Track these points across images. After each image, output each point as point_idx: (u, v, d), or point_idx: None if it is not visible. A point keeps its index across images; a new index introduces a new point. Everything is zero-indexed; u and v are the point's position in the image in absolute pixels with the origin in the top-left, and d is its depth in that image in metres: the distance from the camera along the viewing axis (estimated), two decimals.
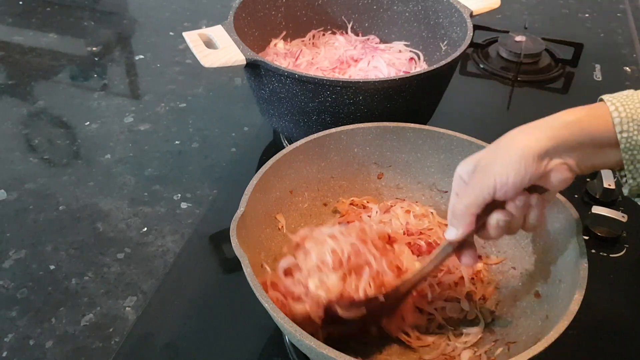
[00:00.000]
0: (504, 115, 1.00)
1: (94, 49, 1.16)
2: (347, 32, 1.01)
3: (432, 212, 0.73)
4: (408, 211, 0.73)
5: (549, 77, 1.08)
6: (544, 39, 1.13)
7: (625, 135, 0.48)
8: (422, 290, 0.64)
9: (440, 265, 0.59)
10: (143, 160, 0.89)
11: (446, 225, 0.70)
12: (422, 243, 0.68)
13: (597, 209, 0.76)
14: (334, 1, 1.00)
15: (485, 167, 0.51)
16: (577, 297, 0.52)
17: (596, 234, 0.76)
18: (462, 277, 0.66)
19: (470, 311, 0.64)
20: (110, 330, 0.65)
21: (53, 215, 0.79)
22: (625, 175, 0.51)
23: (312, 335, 0.50)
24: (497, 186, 0.50)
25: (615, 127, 0.48)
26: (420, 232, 0.70)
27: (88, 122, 0.96)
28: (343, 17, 1.01)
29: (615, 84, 1.06)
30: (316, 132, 0.70)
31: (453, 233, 0.55)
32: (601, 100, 0.50)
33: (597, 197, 0.80)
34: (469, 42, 0.80)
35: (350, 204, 0.74)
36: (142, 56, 1.13)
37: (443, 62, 0.76)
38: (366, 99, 0.74)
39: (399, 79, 0.74)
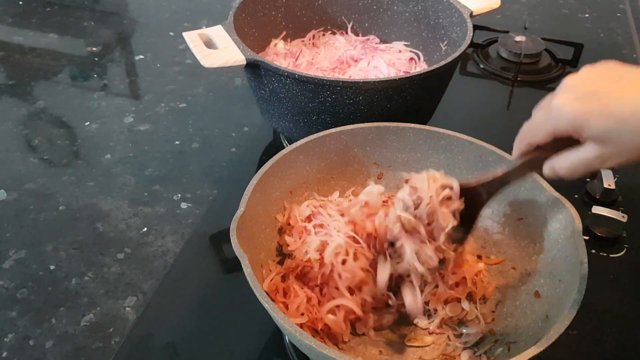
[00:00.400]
0: (504, 115, 1.00)
1: (94, 49, 1.16)
2: (347, 32, 1.01)
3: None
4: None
5: (549, 77, 1.08)
6: (544, 39, 1.13)
7: None
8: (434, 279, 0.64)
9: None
10: (143, 160, 0.89)
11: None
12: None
13: (597, 209, 0.76)
14: (334, 1, 1.00)
15: (608, 155, 0.46)
16: (577, 297, 0.52)
17: (596, 234, 0.76)
18: (463, 278, 0.66)
19: (471, 311, 0.64)
20: (110, 330, 0.65)
21: (53, 216, 0.79)
22: None
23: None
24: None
25: None
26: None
27: (88, 122, 0.96)
28: (343, 17, 1.01)
29: None
30: (316, 132, 0.70)
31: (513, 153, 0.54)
32: None
33: (597, 197, 0.80)
34: (468, 42, 0.80)
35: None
36: (142, 56, 1.13)
37: (443, 62, 0.76)
38: (366, 99, 0.74)
39: (398, 79, 0.74)
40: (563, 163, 0.50)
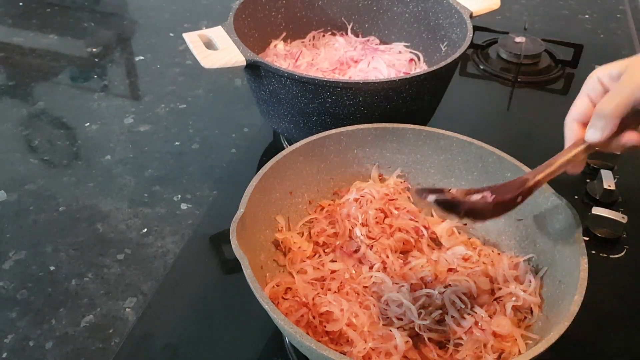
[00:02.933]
0: (504, 116, 1.00)
1: (94, 50, 1.16)
2: (347, 33, 1.01)
3: None
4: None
5: (549, 78, 1.08)
6: (543, 40, 1.13)
7: None
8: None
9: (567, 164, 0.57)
10: (143, 161, 0.89)
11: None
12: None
13: (597, 210, 0.76)
14: (334, 2, 1.00)
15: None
16: (577, 298, 0.52)
17: (596, 235, 0.76)
18: None
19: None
20: (110, 331, 0.65)
21: (53, 216, 0.79)
22: None
23: None
24: None
25: None
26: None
27: (88, 123, 0.96)
28: (343, 18, 1.01)
29: None
30: (316, 133, 0.70)
31: (597, 135, 0.54)
32: None
33: (597, 198, 0.80)
34: (468, 43, 0.81)
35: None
36: (142, 57, 1.13)
37: (443, 63, 0.76)
38: (366, 100, 0.74)
39: (398, 80, 0.74)
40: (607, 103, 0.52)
